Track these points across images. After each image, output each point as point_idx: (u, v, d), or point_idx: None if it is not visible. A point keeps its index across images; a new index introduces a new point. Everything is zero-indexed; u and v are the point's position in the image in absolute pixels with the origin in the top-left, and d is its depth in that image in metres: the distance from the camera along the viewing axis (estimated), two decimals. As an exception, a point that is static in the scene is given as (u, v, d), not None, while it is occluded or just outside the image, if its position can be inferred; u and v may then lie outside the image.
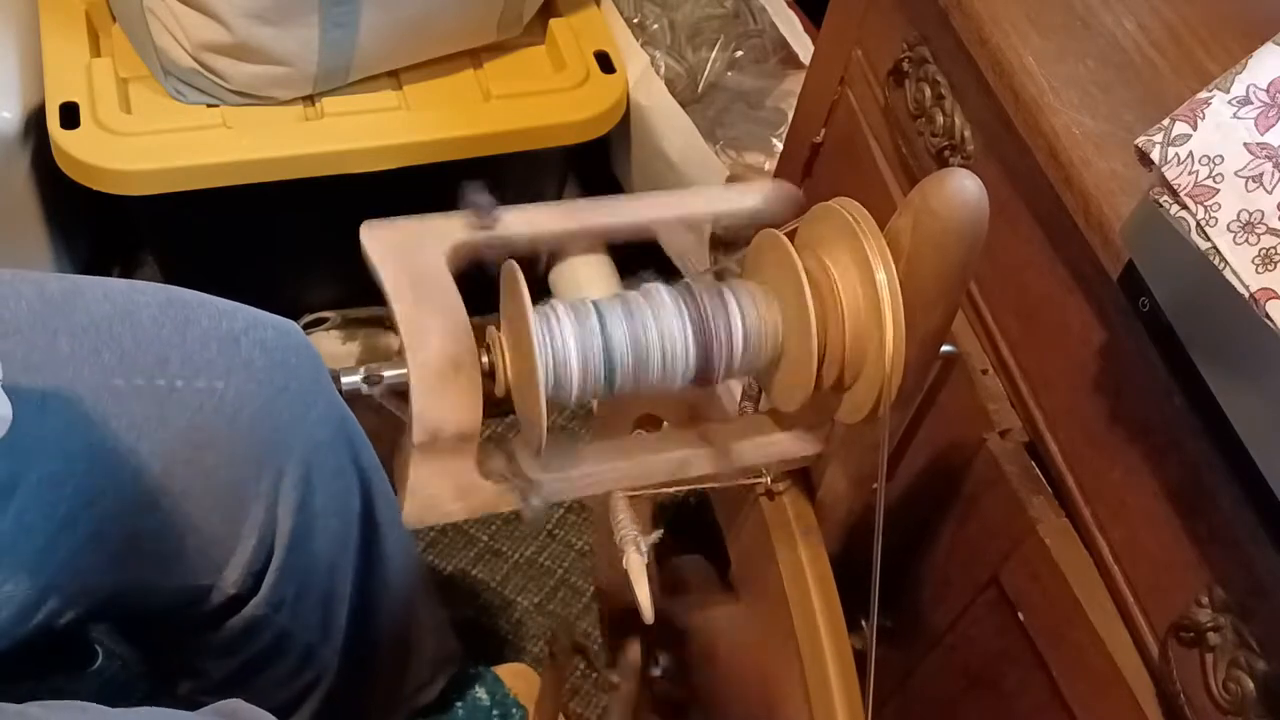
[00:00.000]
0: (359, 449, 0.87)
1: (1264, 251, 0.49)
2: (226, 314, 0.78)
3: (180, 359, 0.75)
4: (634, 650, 0.90)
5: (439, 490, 0.58)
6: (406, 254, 0.57)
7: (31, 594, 0.71)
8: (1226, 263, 0.49)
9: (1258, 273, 0.48)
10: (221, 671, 0.88)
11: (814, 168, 1.00)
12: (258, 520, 0.80)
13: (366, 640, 0.94)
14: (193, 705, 0.69)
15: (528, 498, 0.59)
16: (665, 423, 0.79)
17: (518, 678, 1.17)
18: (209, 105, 1.23)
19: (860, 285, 0.56)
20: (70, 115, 1.20)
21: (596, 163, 1.49)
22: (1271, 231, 0.49)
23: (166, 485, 0.75)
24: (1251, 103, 0.50)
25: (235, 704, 0.73)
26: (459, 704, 1.11)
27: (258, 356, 0.77)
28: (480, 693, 1.13)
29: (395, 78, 1.31)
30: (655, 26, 1.40)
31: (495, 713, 1.12)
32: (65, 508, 0.71)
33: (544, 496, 0.59)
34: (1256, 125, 0.50)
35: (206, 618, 0.83)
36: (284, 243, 1.34)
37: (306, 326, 1.40)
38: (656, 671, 0.89)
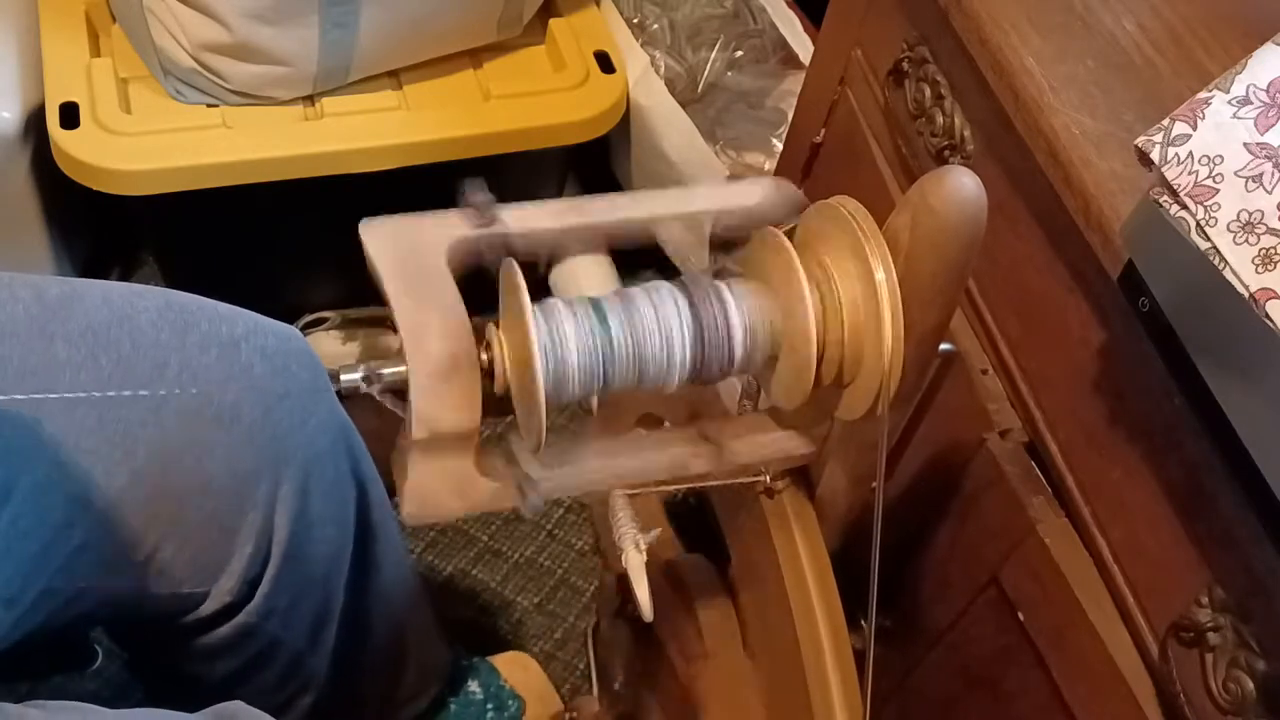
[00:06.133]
0: (358, 458, 0.86)
1: (1264, 251, 0.49)
2: (226, 319, 0.78)
3: (179, 364, 0.74)
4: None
5: (438, 487, 0.58)
6: (406, 252, 0.57)
7: (26, 598, 0.70)
8: (1226, 263, 0.49)
9: (1258, 273, 0.48)
10: (209, 677, 0.87)
11: (814, 168, 1.00)
12: (254, 528, 0.79)
13: (357, 650, 0.94)
14: (183, 710, 0.68)
15: (526, 495, 0.59)
16: (665, 421, 0.79)
17: (516, 666, 1.16)
18: (209, 105, 1.23)
19: (859, 283, 0.56)
20: (70, 115, 1.20)
21: (596, 163, 1.49)
22: (1271, 231, 0.49)
23: (162, 491, 0.75)
24: (1251, 103, 0.50)
25: (235, 706, 0.72)
26: (451, 700, 1.10)
27: (258, 363, 0.77)
28: (473, 686, 1.11)
29: (395, 78, 1.31)
30: (655, 26, 1.40)
31: (490, 706, 1.11)
32: (60, 513, 0.71)
33: (543, 494, 0.59)
34: (1256, 125, 0.50)
35: (198, 624, 0.83)
36: (284, 243, 1.34)
37: (306, 326, 1.40)
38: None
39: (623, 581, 0.64)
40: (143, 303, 0.75)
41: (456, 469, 0.57)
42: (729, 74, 1.38)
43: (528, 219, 0.59)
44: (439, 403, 0.55)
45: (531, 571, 1.32)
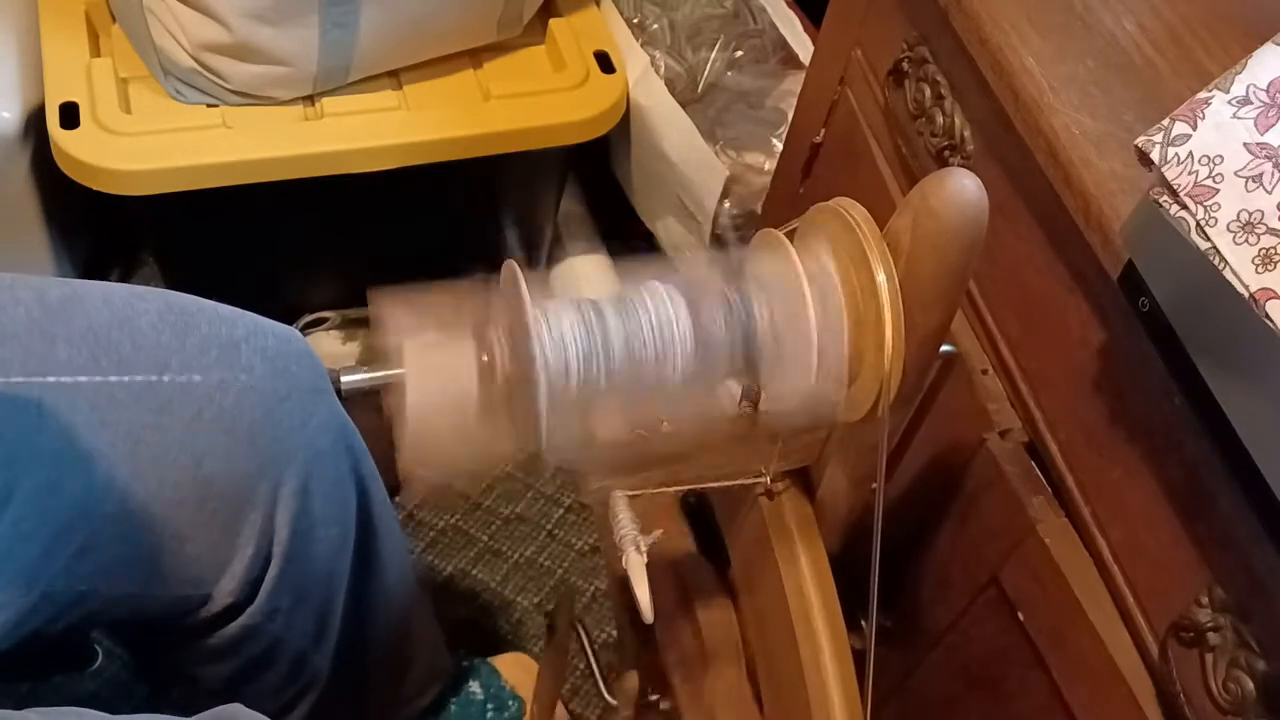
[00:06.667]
0: (358, 458, 0.86)
1: (1264, 251, 0.49)
2: (227, 320, 0.78)
3: (180, 365, 0.74)
4: (631, 680, 0.90)
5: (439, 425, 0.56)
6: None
7: (27, 601, 0.71)
8: (1226, 263, 0.49)
9: (1258, 273, 0.48)
10: (212, 677, 0.87)
11: (814, 168, 1.00)
12: (256, 529, 0.79)
13: (360, 649, 0.94)
14: (184, 711, 0.69)
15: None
16: (665, 422, 0.79)
17: (516, 667, 1.16)
18: (209, 105, 1.23)
19: (860, 285, 0.56)
20: (70, 115, 1.20)
21: (596, 163, 1.49)
22: (1271, 231, 0.49)
23: (163, 493, 0.75)
24: (1251, 103, 0.50)
25: (235, 709, 0.72)
26: (452, 700, 1.10)
27: (258, 364, 0.77)
28: (474, 687, 1.12)
29: (395, 78, 1.31)
30: (655, 26, 1.40)
31: (490, 706, 1.11)
32: (61, 515, 0.71)
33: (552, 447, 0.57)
34: (1256, 125, 0.50)
35: (200, 625, 0.83)
36: (284, 243, 1.34)
37: (306, 326, 1.40)
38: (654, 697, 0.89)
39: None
40: (143, 304, 0.76)
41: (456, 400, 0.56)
42: (729, 74, 1.38)
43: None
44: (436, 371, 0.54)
45: (531, 571, 1.32)
